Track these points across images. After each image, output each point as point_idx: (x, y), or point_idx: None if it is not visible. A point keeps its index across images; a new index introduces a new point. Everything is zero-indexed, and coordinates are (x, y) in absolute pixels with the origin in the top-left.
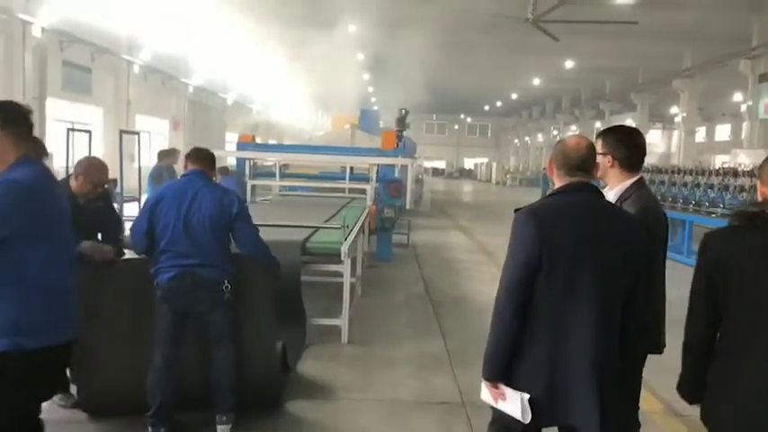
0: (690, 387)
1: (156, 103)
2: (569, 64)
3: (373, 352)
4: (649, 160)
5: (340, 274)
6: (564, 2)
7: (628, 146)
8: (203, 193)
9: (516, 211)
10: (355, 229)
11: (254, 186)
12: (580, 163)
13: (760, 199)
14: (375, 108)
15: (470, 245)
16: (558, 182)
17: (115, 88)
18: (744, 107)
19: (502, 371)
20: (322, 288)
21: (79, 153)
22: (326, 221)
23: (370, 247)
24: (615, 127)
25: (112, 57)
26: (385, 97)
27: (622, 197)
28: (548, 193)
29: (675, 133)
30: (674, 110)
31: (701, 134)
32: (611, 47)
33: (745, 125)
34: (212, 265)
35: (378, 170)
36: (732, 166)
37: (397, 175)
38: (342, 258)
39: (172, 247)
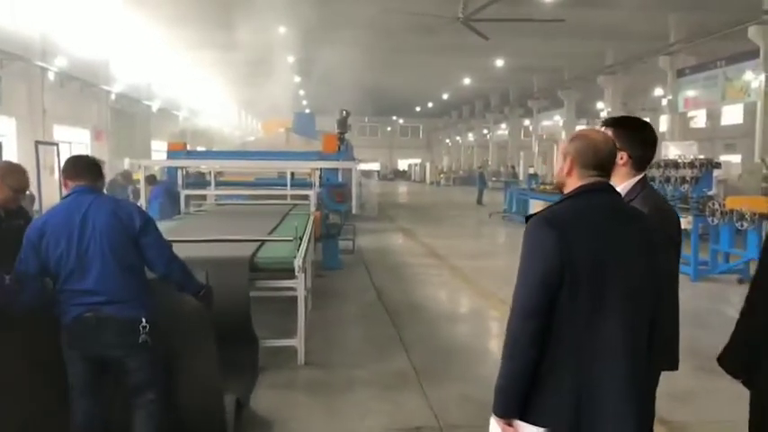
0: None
1: (75, 112)
2: (499, 63)
3: (333, 373)
4: None
5: (290, 288)
6: (493, 1)
7: (644, 143)
8: (94, 211)
9: (528, 218)
10: (306, 240)
11: (187, 197)
12: (608, 160)
13: None
14: (309, 111)
15: (416, 248)
16: (574, 182)
17: (29, 97)
18: (664, 101)
19: (517, 406)
20: (267, 303)
21: None
22: (272, 232)
23: (315, 255)
24: (626, 120)
25: (24, 63)
26: (317, 101)
27: (627, 197)
28: (564, 196)
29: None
30: (599, 105)
31: None
32: (539, 45)
33: (666, 118)
34: (121, 301)
35: (321, 174)
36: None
37: (340, 178)
38: (296, 273)
39: (70, 285)
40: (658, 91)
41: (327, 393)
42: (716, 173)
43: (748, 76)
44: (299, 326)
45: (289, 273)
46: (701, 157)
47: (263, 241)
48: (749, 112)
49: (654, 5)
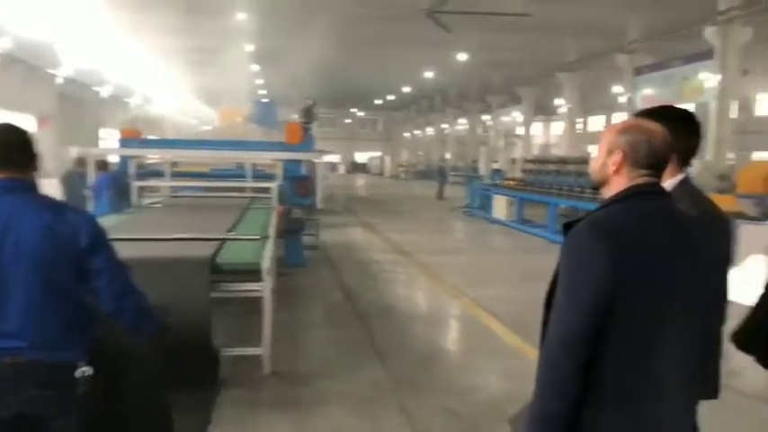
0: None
1: (19, 97)
2: (460, 57)
3: (303, 385)
4: (533, 151)
5: (252, 290)
6: None
7: (691, 135)
8: (19, 221)
9: (568, 225)
10: (273, 239)
11: (140, 188)
12: (665, 157)
13: None
14: (266, 100)
15: (381, 243)
16: (621, 181)
17: None
18: (622, 99)
19: None
20: (224, 304)
21: None
22: (232, 228)
23: (277, 251)
24: (668, 109)
25: None
26: (276, 90)
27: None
28: (610, 199)
29: (553, 125)
30: (557, 102)
31: (578, 125)
32: (500, 40)
33: (623, 116)
34: (51, 346)
35: (283, 166)
36: None
37: (303, 171)
38: (263, 275)
39: None
40: (617, 88)
41: (297, 409)
42: None
43: (704, 75)
44: (264, 332)
45: (254, 275)
46: None
47: (225, 240)
48: (701, 112)
49: (613, 3)
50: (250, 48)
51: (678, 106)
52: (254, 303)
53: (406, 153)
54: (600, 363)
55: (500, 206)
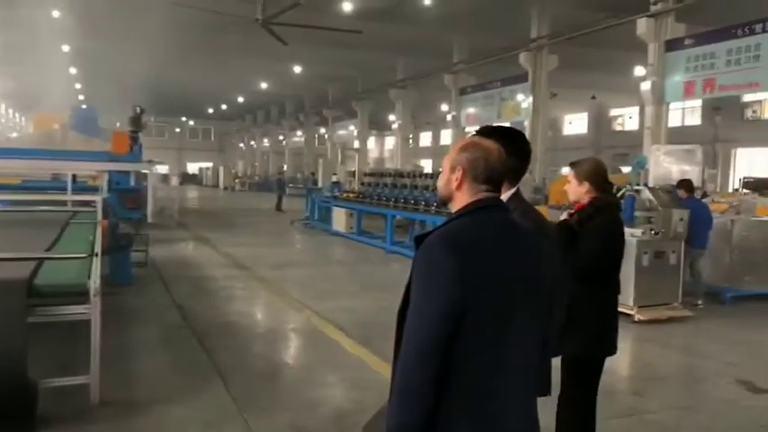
0: None
1: None
2: (296, 69)
3: (139, 413)
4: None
5: (78, 312)
6: (294, 5)
7: (520, 154)
8: None
9: (420, 238)
10: (100, 256)
11: None
12: (502, 173)
13: None
14: (88, 107)
15: (218, 258)
16: (463, 197)
17: None
18: (449, 117)
19: None
20: (42, 328)
21: None
22: (52, 246)
23: (102, 269)
24: (500, 129)
25: None
26: (96, 96)
27: None
28: (456, 213)
29: (387, 139)
30: (391, 117)
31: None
32: (335, 55)
33: (449, 133)
34: None
35: (109, 178)
36: None
37: (132, 183)
38: (92, 297)
39: None
40: (444, 107)
41: None
42: None
43: (520, 97)
44: (92, 357)
45: (80, 296)
46: None
47: (43, 259)
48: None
49: (439, 26)
50: (66, 49)
51: (511, 126)
52: (80, 328)
53: (241, 164)
54: (451, 371)
55: (339, 218)
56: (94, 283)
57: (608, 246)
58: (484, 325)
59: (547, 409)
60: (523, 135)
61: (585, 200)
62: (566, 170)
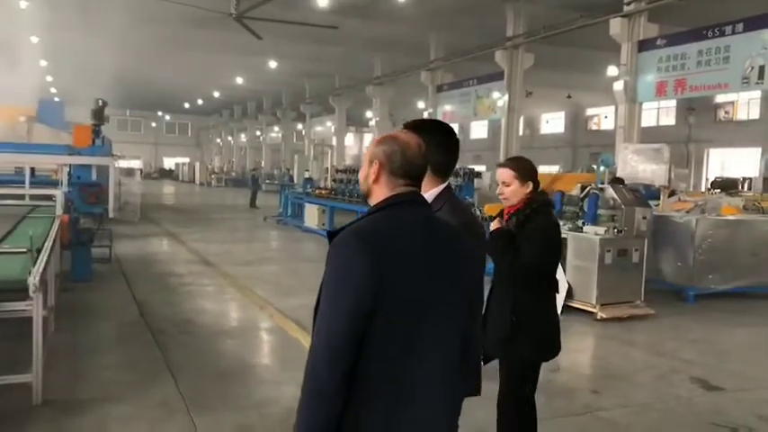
0: None
1: None
2: (272, 65)
3: (82, 413)
4: (347, 161)
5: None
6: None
7: (444, 147)
8: None
9: (333, 234)
10: (47, 251)
11: None
12: (420, 167)
13: None
14: (57, 99)
15: (185, 254)
16: (381, 191)
17: None
18: (426, 114)
19: None
20: None
21: None
22: (1, 240)
23: (62, 265)
24: (424, 123)
25: None
26: (69, 89)
27: (432, 208)
28: (373, 208)
29: (366, 136)
30: (368, 114)
31: None
32: (312, 50)
33: None
34: None
35: (70, 171)
36: None
37: (94, 177)
38: (31, 293)
39: None
40: (421, 104)
41: None
42: (476, 182)
43: (496, 95)
44: (34, 356)
45: (21, 294)
46: (469, 166)
47: None
48: (492, 128)
49: (416, 23)
50: (35, 40)
51: (436, 120)
52: (29, 324)
53: (217, 159)
54: (361, 369)
55: (312, 215)
56: (34, 278)
57: (551, 246)
58: (395, 323)
59: (482, 409)
60: (451, 128)
61: (517, 201)
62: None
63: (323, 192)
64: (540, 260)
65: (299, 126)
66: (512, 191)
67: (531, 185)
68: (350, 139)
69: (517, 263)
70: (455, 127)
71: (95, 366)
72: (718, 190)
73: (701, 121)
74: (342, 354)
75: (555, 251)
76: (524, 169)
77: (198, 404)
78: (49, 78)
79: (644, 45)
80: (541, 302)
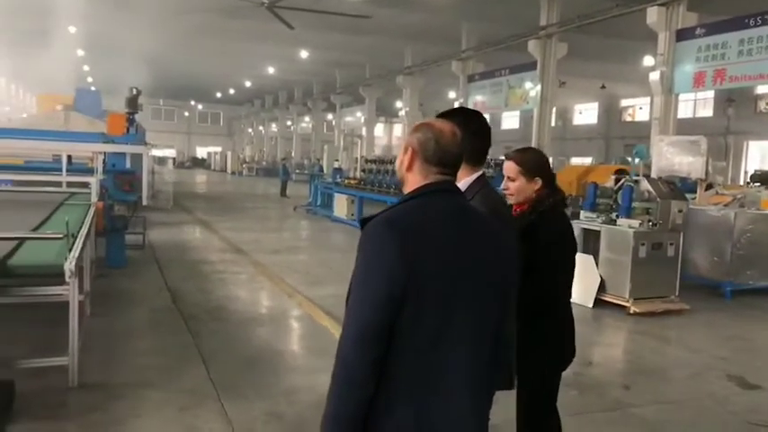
0: None
1: None
2: (303, 54)
3: (115, 396)
4: (377, 151)
5: (55, 293)
6: None
7: (477, 134)
8: None
9: (365, 221)
10: (82, 237)
11: None
12: (455, 155)
13: None
14: (93, 88)
15: (217, 242)
16: (415, 179)
17: None
18: (456, 104)
19: None
20: (27, 309)
21: None
22: (39, 226)
23: (97, 252)
24: (455, 111)
25: None
26: (105, 78)
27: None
28: (406, 196)
29: (396, 127)
30: (398, 104)
31: None
32: (343, 40)
33: None
34: None
35: (105, 159)
36: None
37: (128, 165)
38: (67, 278)
39: None
40: (452, 94)
41: (106, 422)
42: None
43: (528, 85)
44: (70, 339)
45: (58, 278)
46: (500, 157)
47: (23, 239)
48: (524, 118)
49: (448, 12)
50: (73, 30)
51: (466, 107)
52: (63, 308)
53: (249, 149)
54: (390, 358)
55: (341, 205)
56: (70, 264)
57: (563, 267)
58: (425, 313)
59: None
60: (478, 113)
61: (524, 199)
62: (576, 160)
63: (352, 182)
64: (551, 287)
65: (330, 116)
66: (517, 187)
67: (539, 182)
68: (380, 129)
69: (527, 294)
70: (486, 117)
71: (129, 351)
72: (758, 183)
73: (740, 113)
74: (372, 340)
75: (570, 271)
76: (531, 162)
77: (228, 391)
78: (86, 68)
79: (682, 34)
80: (553, 324)
